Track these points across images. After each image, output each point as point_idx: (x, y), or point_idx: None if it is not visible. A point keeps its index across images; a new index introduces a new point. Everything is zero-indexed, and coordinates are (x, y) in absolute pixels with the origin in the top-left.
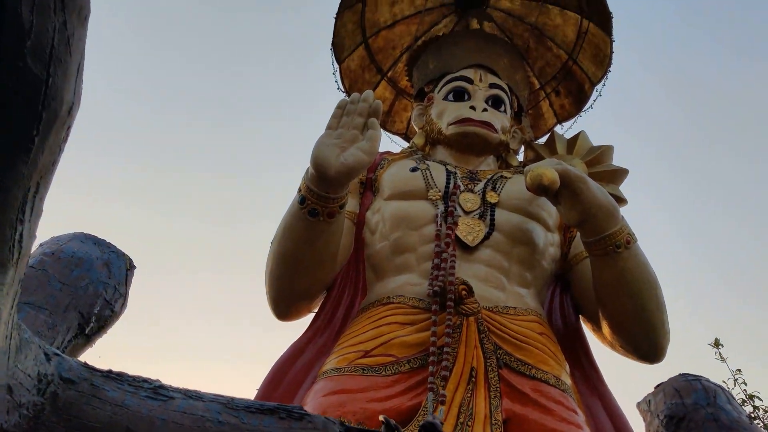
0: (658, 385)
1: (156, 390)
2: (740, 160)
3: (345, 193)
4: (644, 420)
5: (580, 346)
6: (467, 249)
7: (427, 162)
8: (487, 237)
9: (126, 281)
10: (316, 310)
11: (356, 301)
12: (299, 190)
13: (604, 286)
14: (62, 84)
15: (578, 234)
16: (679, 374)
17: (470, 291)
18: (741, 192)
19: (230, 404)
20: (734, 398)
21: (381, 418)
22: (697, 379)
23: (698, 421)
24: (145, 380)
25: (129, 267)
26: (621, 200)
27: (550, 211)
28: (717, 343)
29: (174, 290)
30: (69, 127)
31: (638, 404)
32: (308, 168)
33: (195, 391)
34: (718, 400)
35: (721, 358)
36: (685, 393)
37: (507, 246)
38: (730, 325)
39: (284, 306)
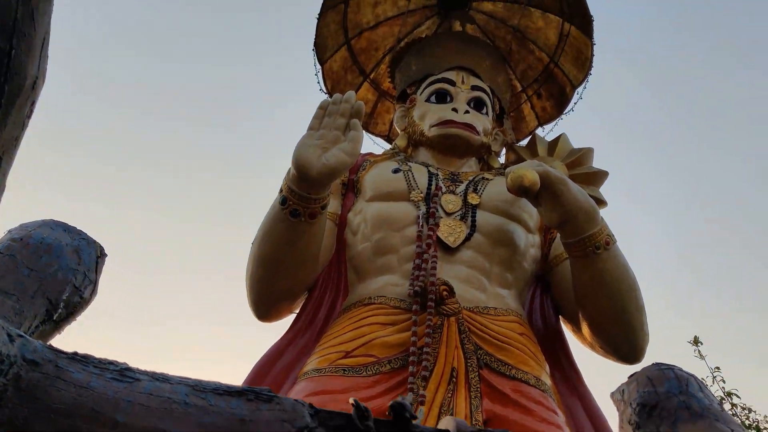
0: (631, 375)
1: (122, 372)
2: (721, 158)
3: (327, 193)
4: (618, 409)
5: (560, 347)
6: (448, 250)
7: (409, 163)
8: (468, 238)
9: (96, 268)
10: (297, 311)
11: (338, 302)
12: (280, 191)
13: (584, 287)
14: (26, 58)
15: (558, 235)
16: (653, 363)
17: (451, 291)
18: (722, 191)
19: (198, 386)
20: (706, 387)
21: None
22: (670, 368)
23: (670, 408)
24: (111, 362)
25: (100, 254)
26: (601, 202)
27: (530, 212)
28: (696, 341)
29: (174, 291)
30: (33, 102)
31: (612, 394)
32: (289, 169)
33: (162, 374)
34: (690, 388)
35: (700, 355)
36: (658, 382)
37: (488, 247)
38: (709, 324)
39: (265, 307)
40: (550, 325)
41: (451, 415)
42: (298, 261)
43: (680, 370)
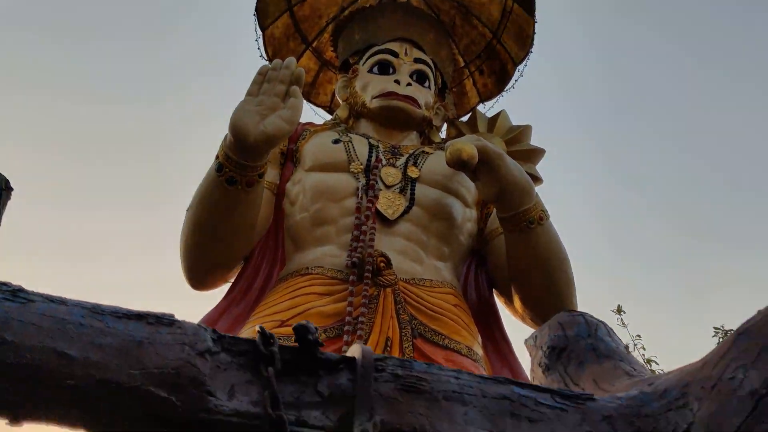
0: (544, 323)
1: (15, 293)
2: (652, 133)
3: (264, 162)
4: (530, 354)
5: (493, 320)
6: (387, 222)
7: (349, 135)
8: (407, 211)
9: (0, 201)
10: (232, 281)
11: (274, 272)
12: (217, 157)
13: (517, 260)
14: None
15: (494, 210)
16: (563, 311)
17: (388, 263)
18: (645, 163)
19: (95, 309)
20: (614, 333)
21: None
22: (581, 314)
23: (578, 351)
24: (4, 283)
25: (5, 187)
26: (537, 179)
27: (468, 187)
28: (619, 310)
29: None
30: None
31: (525, 341)
32: (227, 134)
33: (59, 297)
34: (599, 332)
35: (623, 323)
36: (568, 326)
37: (426, 220)
38: (631, 293)
39: (200, 275)
40: (483, 298)
41: None
42: (233, 229)
43: (590, 316)
